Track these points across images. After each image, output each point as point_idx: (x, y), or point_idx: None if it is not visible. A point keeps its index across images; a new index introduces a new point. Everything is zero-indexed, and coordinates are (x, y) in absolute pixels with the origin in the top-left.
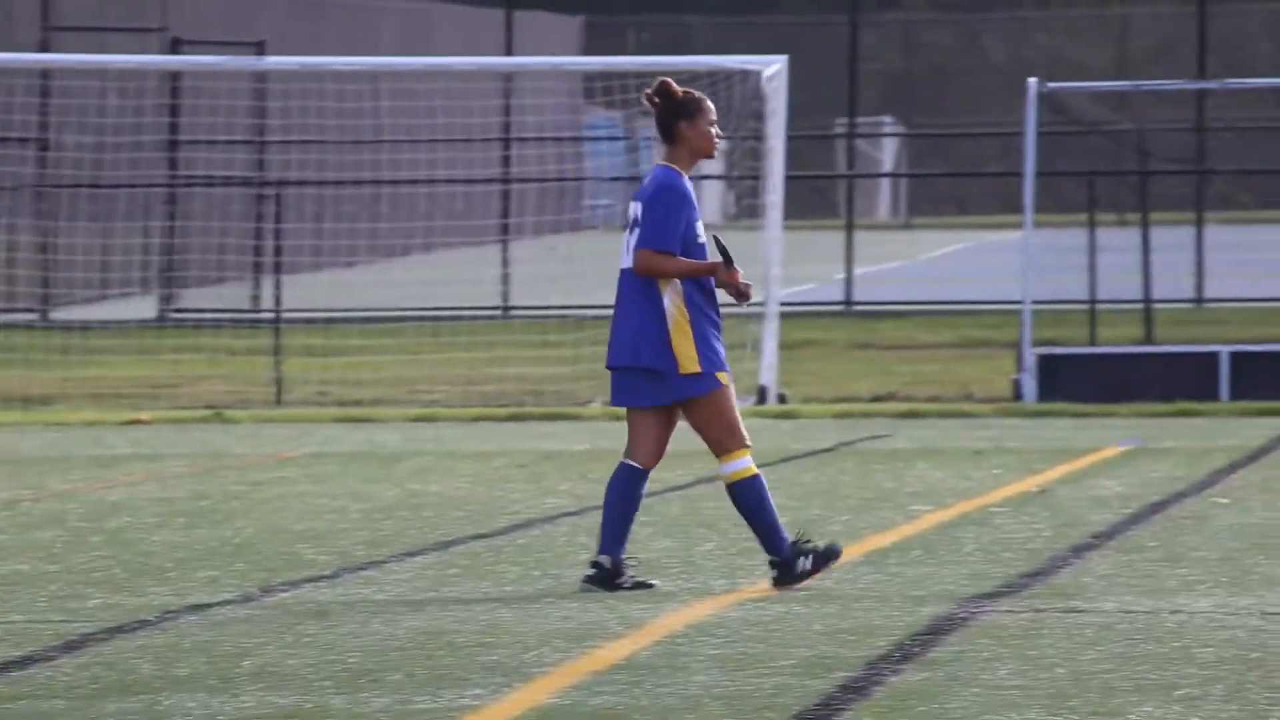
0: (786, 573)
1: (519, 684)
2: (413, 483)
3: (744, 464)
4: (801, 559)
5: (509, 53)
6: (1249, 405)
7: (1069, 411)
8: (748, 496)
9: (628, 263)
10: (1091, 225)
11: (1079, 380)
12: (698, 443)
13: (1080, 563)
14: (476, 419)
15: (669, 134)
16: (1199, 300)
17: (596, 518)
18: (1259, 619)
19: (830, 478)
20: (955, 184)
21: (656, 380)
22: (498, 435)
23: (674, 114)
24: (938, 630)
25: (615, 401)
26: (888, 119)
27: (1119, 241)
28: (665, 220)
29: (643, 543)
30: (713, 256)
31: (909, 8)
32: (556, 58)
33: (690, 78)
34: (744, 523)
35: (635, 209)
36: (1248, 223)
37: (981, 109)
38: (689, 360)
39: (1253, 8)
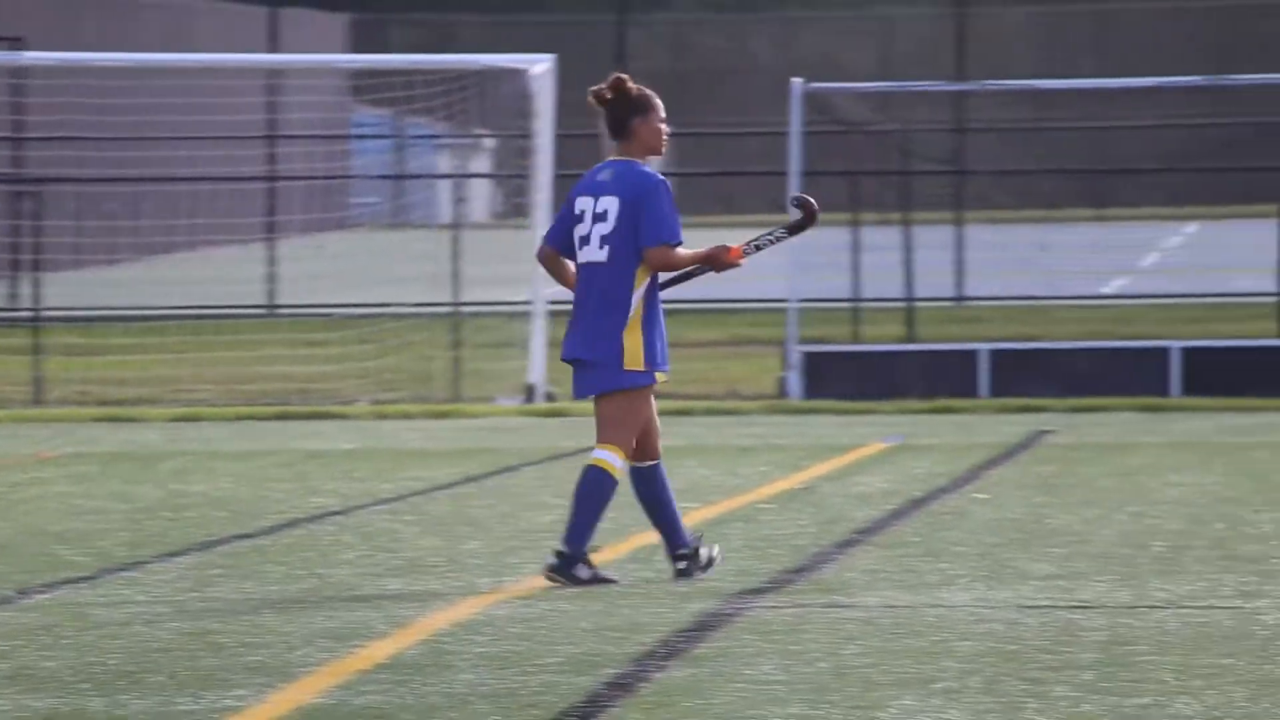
0: (566, 566)
1: (283, 684)
2: (175, 483)
3: (617, 462)
4: (583, 566)
5: (274, 49)
6: (1008, 402)
7: (833, 409)
8: (594, 487)
9: (590, 257)
10: (855, 224)
11: (843, 378)
12: (468, 442)
13: (844, 558)
14: (241, 418)
15: (621, 130)
16: (959, 299)
17: (362, 516)
18: (1016, 612)
19: None
20: (722, 183)
21: (603, 370)
22: (263, 434)
23: (628, 110)
24: (704, 626)
25: (575, 394)
26: None
27: (882, 240)
28: (668, 212)
29: (409, 541)
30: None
31: (677, 8)
32: (322, 55)
33: (458, 76)
34: (509, 520)
35: (592, 203)
36: (1005, 222)
37: (748, 109)
38: (634, 357)
39: (1010, 11)
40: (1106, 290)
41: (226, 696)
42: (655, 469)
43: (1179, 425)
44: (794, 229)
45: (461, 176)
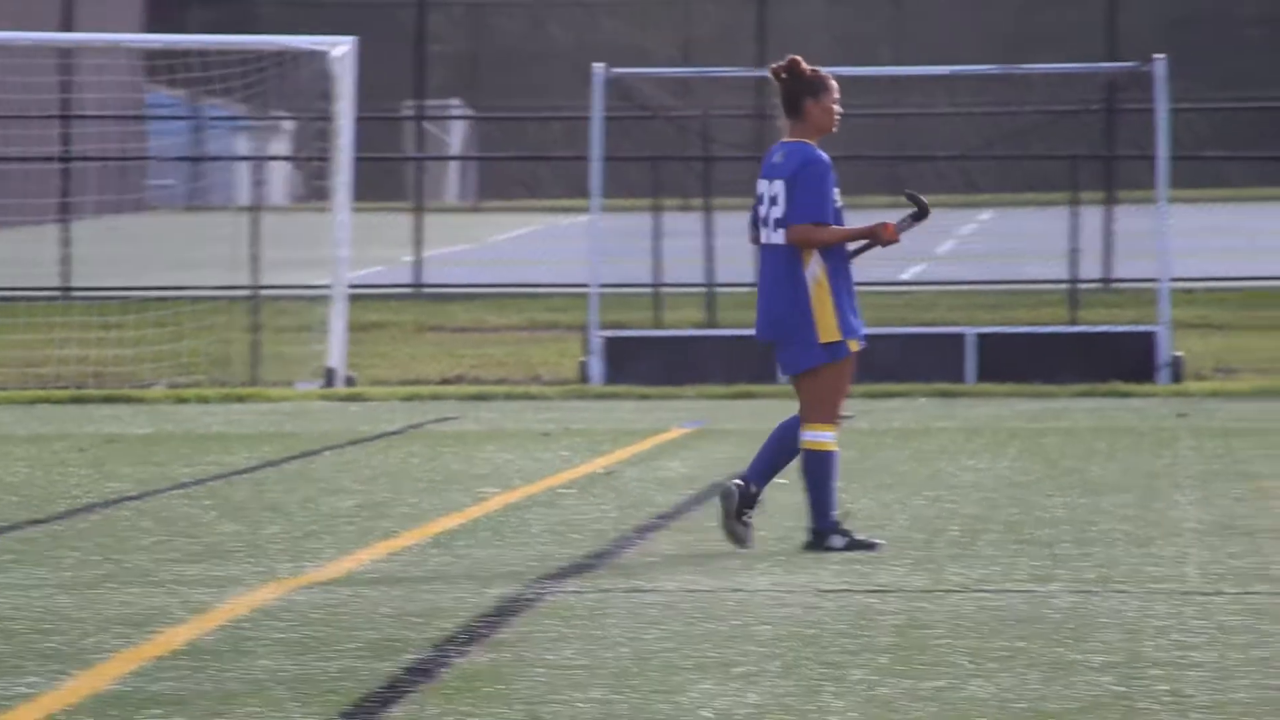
0: (819, 541)
1: (78, 671)
2: None
3: (824, 436)
4: (836, 537)
5: (67, 28)
6: None
7: (635, 394)
8: (812, 469)
9: (768, 239)
10: (656, 210)
11: (644, 363)
12: (267, 426)
13: (645, 543)
14: (34, 401)
15: (795, 110)
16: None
17: (159, 501)
18: (814, 596)
19: (398, 460)
20: (524, 167)
21: (802, 348)
22: (57, 418)
23: (801, 91)
24: (505, 611)
25: (782, 373)
26: (456, 102)
27: (683, 226)
28: (816, 191)
29: (208, 526)
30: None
31: None
32: (117, 34)
33: (257, 57)
34: (309, 505)
35: (767, 187)
36: None
37: (549, 93)
38: (829, 329)
39: None
40: (904, 277)
41: (19, 684)
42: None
43: (974, 410)
44: (917, 218)
45: (260, 159)
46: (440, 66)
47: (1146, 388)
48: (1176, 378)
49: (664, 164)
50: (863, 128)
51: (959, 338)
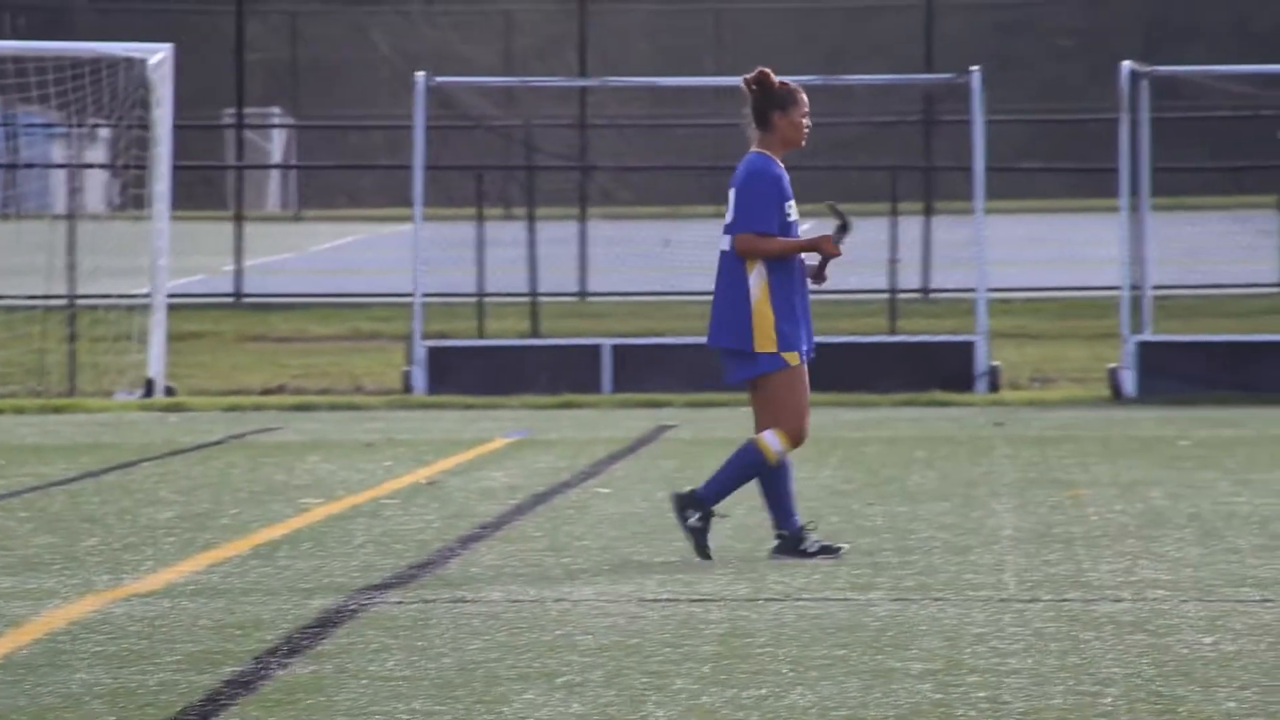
0: (684, 503)
1: None
2: None
3: (777, 447)
4: (696, 515)
5: None
6: (629, 396)
7: (458, 403)
8: (742, 466)
9: (722, 246)
10: (480, 219)
11: (468, 372)
12: (85, 437)
13: (468, 553)
14: None
15: (763, 122)
16: (583, 294)
17: None
18: (637, 605)
19: (219, 471)
20: (346, 176)
21: (740, 358)
22: None
23: (769, 104)
24: (327, 623)
25: (724, 379)
26: (276, 110)
27: (507, 235)
28: (757, 202)
29: (23, 538)
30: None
31: None
32: None
33: (72, 64)
34: (128, 517)
35: (729, 195)
36: (628, 218)
37: (371, 102)
38: (765, 340)
39: (631, 8)
40: None
41: None
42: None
43: None
44: (843, 229)
45: (76, 167)
46: (260, 75)
47: (965, 397)
48: (994, 387)
49: (487, 173)
50: (685, 138)
51: None
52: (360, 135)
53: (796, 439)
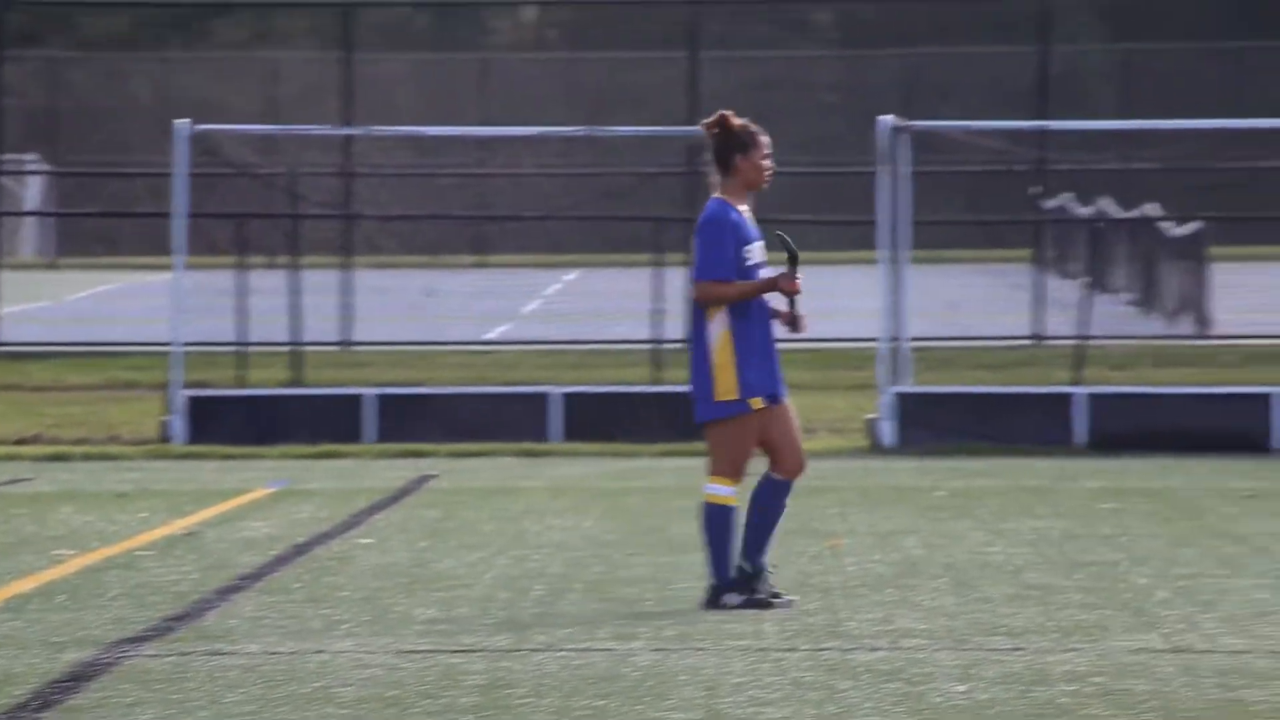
0: (715, 597)
1: None
2: None
3: (722, 490)
4: (732, 595)
5: None
6: (391, 446)
7: (218, 454)
8: (709, 522)
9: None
10: (242, 267)
11: (229, 422)
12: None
13: (227, 605)
14: None
15: (725, 165)
16: (346, 343)
17: None
18: (397, 657)
19: None
20: (105, 224)
21: (703, 403)
22: None
23: (731, 147)
24: (80, 677)
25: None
26: (33, 156)
27: (269, 284)
28: (711, 249)
29: None
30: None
31: (52, 45)
32: None
33: None
34: None
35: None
36: (392, 267)
37: (131, 148)
38: (726, 388)
39: (395, 57)
40: (490, 336)
41: None
42: (781, 485)
43: (559, 470)
44: (793, 262)
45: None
46: (16, 120)
47: None
48: None
49: (250, 221)
50: (449, 187)
51: (544, 397)
52: (120, 182)
53: (780, 474)
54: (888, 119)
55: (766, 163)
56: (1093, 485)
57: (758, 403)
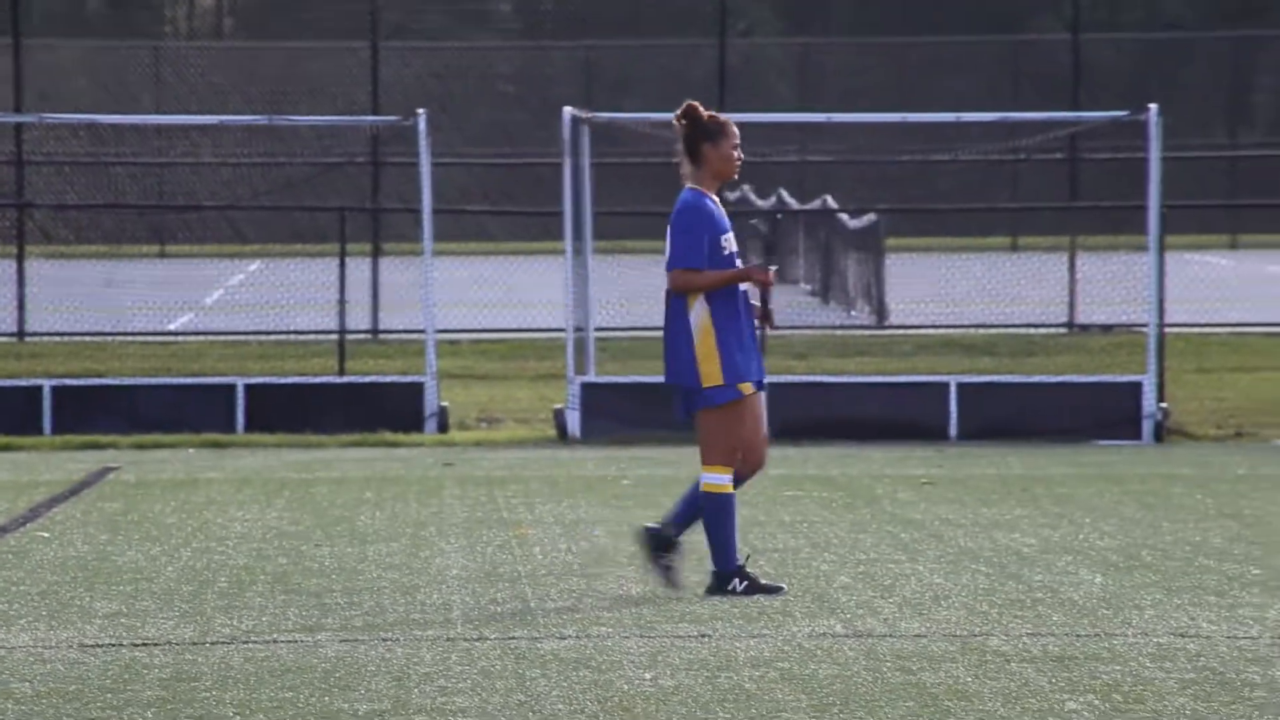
0: (720, 584)
1: None
2: None
3: (718, 479)
4: (737, 580)
5: None
6: (72, 439)
7: None
8: (708, 511)
9: (666, 284)
10: None
11: None
12: None
13: None
14: None
15: (694, 155)
16: (21, 334)
17: None
18: (78, 652)
19: None
20: None
21: (688, 393)
22: None
23: (699, 137)
24: None
25: (676, 416)
26: None
27: None
28: (686, 238)
29: None
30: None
31: None
32: None
33: None
34: None
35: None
36: (68, 257)
37: None
38: (712, 375)
39: (69, 44)
40: (172, 327)
41: None
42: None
43: (244, 461)
44: (770, 250)
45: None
46: None
47: (414, 437)
48: (443, 427)
49: None
50: (127, 176)
51: (228, 388)
52: None
53: (741, 467)
54: (569, 110)
55: (736, 152)
56: (775, 473)
57: (747, 388)
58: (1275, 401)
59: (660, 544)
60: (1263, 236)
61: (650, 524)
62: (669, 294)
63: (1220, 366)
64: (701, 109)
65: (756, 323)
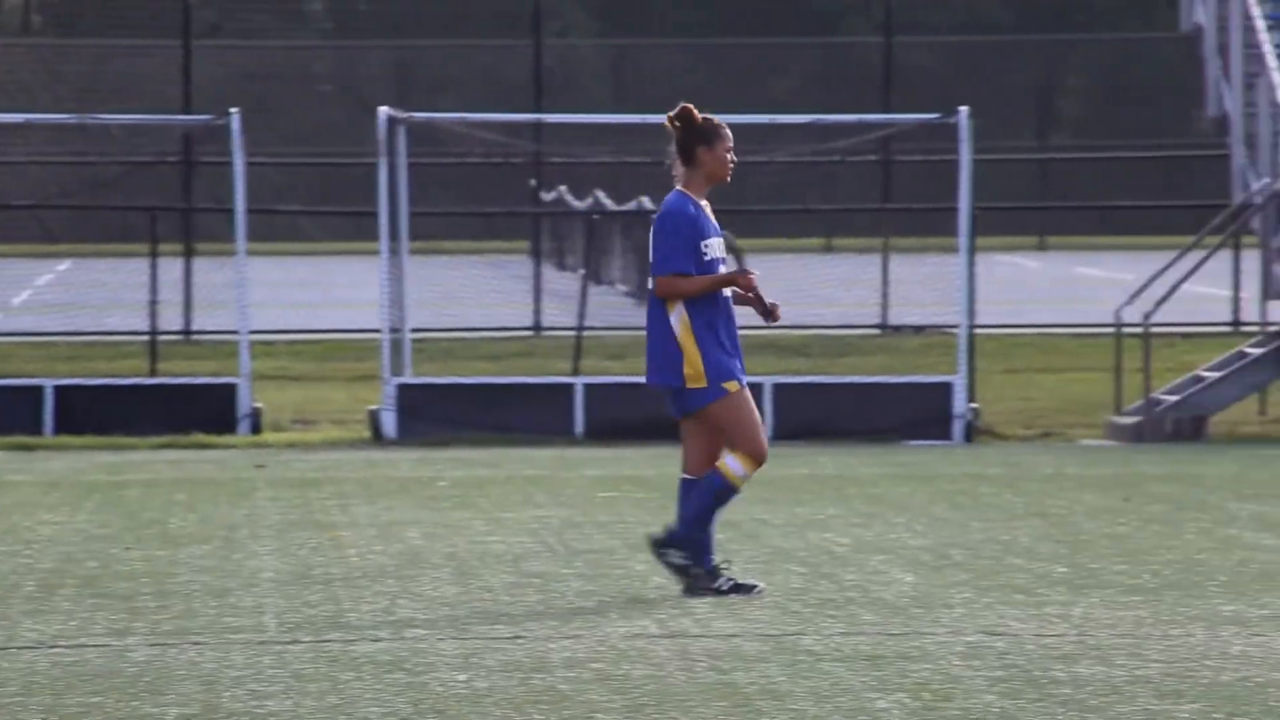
0: (663, 543)
1: None
2: None
3: (740, 471)
4: (675, 552)
5: None
6: None
7: None
8: (710, 493)
9: (651, 286)
10: None
11: None
12: None
13: None
14: None
15: (688, 158)
16: None
17: None
18: None
19: None
20: None
21: (677, 395)
22: None
23: (694, 139)
24: None
25: (670, 414)
26: None
27: None
28: (670, 243)
29: None
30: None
31: None
32: None
33: None
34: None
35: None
36: None
37: None
38: (696, 377)
39: None
40: None
41: None
42: (694, 483)
43: (52, 463)
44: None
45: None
46: None
47: (227, 439)
48: (256, 429)
49: None
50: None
51: (36, 389)
52: None
53: (757, 458)
54: (385, 110)
55: (729, 155)
56: (591, 474)
57: (733, 385)
58: (1081, 401)
59: (711, 576)
60: (1070, 238)
61: (685, 561)
62: (650, 295)
63: (1028, 367)
64: (695, 111)
65: (760, 318)
